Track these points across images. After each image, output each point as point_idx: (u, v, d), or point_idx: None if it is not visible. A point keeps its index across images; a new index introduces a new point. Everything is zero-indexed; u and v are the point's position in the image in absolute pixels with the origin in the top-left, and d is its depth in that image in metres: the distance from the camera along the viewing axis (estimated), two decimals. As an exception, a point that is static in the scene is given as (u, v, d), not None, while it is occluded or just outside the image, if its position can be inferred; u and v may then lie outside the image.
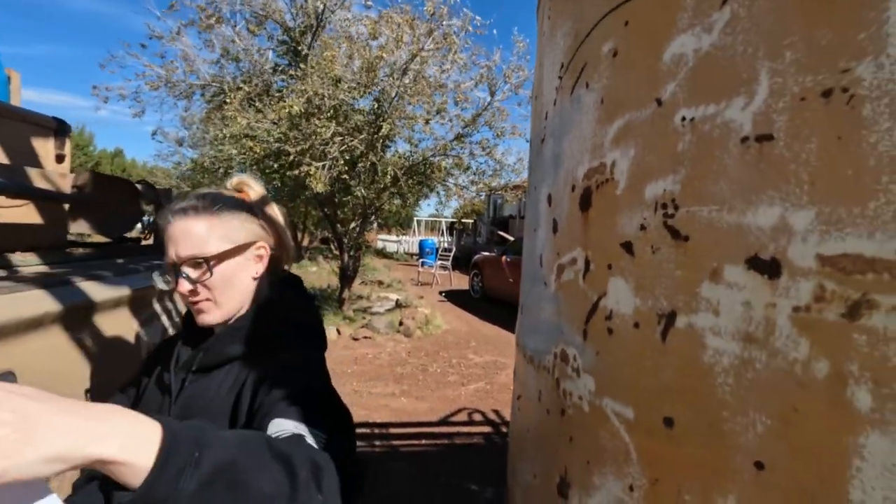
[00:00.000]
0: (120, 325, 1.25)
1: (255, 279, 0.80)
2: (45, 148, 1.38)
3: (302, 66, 6.36)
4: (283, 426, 0.59)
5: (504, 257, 10.22)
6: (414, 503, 3.05)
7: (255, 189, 0.87)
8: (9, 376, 0.75)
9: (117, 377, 1.21)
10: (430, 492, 3.18)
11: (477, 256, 12.36)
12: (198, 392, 0.76)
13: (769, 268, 0.44)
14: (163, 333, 1.45)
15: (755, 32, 0.46)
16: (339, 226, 8.45)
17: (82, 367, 1.11)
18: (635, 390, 0.57)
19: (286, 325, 0.79)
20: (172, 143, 12.81)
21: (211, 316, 0.78)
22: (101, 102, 7.33)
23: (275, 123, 6.58)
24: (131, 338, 1.30)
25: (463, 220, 25.76)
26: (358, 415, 4.31)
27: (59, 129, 1.40)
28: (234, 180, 0.88)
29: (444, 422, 4.62)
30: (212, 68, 8.12)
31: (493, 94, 7.33)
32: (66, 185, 1.27)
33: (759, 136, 0.45)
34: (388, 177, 6.91)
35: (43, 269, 1.16)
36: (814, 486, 0.41)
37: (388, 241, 23.48)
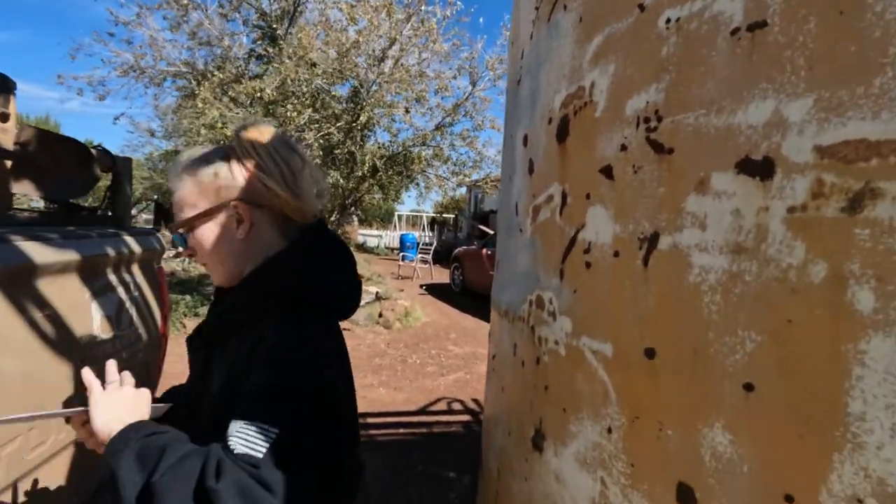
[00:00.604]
0: (67, 292, 1.16)
1: (243, 240, 0.69)
2: (-12, 104, 1.28)
3: (276, 47, 6.20)
4: (235, 431, 0.53)
5: (485, 250, 10.22)
6: (391, 492, 3.00)
7: (256, 133, 0.72)
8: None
9: (60, 342, 1.13)
10: (408, 480, 3.13)
11: (458, 250, 12.33)
12: (215, 364, 0.69)
13: (761, 169, 0.40)
14: (119, 305, 1.35)
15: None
16: (316, 216, 8.32)
17: (23, 330, 1.03)
18: (614, 325, 0.53)
19: (278, 293, 0.67)
20: (144, 132, 12.43)
21: (215, 277, 0.72)
22: (68, 94, 7.07)
23: (247, 109, 6.41)
24: (81, 305, 1.21)
25: (444, 215, 25.72)
26: (334, 404, 4.24)
27: (1, 85, 1.30)
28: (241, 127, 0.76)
29: (422, 411, 4.57)
30: (183, 53, 7.87)
31: (474, 84, 7.28)
32: (9, 143, 1.17)
33: (751, 24, 0.41)
34: (367, 166, 6.81)
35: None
36: (808, 404, 0.37)
37: (368, 235, 23.33)
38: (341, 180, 7.10)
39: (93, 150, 1.43)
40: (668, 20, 0.48)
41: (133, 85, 8.13)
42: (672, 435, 0.46)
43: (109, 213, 1.55)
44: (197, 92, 6.37)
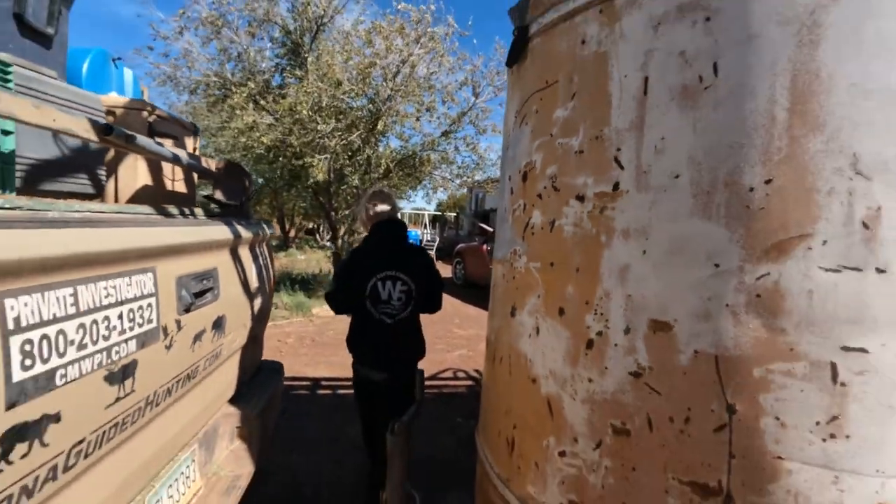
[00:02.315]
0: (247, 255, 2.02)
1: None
2: (189, 143, 2.13)
3: (302, 68, 7.02)
4: None
5: (485, 246, 11.03)
6: (418, 430, 3.87)
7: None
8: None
9: (247, 282, 1.99)
10: (429, 424, 3.99)
11: (459, 246, 13.12)
12: None
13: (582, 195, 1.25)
14: (263, 267, 2.22)
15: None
16: (333, 213, 9.16)
17: (245, 269, 1.88)
18: (541, 256, 1.38)
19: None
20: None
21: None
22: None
23: (277, 119, 7.24)
24: (250, 265, 2.07)
25: (445, 213, 26.42)
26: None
27: (194, 128, 2.15)
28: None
29: (434, 377, 5.43)
30: (212, 65, 8.68)
31: (476, 96, 8.13)
32: (212, 166, 2.03)
33: (578, 151, 1.26)
34: (382, 168, 7.65)
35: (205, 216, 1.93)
36: (580, 270, 1.22)
37: (372, 232, 23.87)
38: (357, 181, 7.95)
39: (246, 170, 2.29)
40: (560, 142, 1.32)
41: (168, 93, 8.94)
42: (559, 293, 1.31)
43: (241, 209, 2.41)
44: (232, 102, 7.20)
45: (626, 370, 1.17)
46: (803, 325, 0.96)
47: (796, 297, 0.97)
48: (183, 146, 2.12)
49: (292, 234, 23.85)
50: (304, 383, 5.05)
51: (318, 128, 6.69)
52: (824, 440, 0.96)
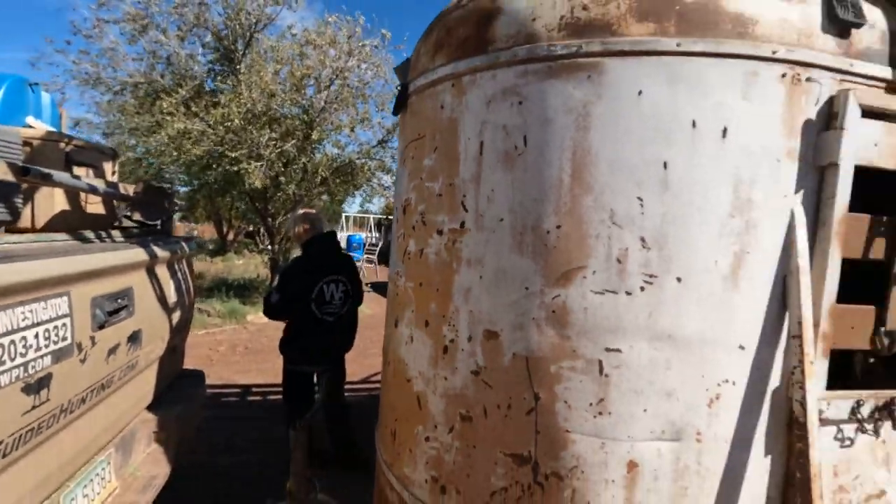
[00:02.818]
0: (164, 273, 2.19)
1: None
2: (108, 168, 2.26)
3: (235, 76, 7.01)
4: None
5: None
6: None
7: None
8: None
9: (165, 298, 2.17)
10: (359, 426, 4.22)
11: (400, 250, 13.30)
12: None
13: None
14: (183, 279, 2.39)
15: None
16: (269, 219, 9.14)
17: (162, 285, 2.06)
18: (413, 277, 1.68)
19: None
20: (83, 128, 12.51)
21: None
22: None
23: (210, 127, 7.19)
24: (168, 283, 2.24)
25: (389, 217, 26.46)
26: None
27: (113, 153, 2.29)
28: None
29: (364, 381, 5.65)
30: (139, 65, 8.42)
31: (411, 107, 8.40)
32: (129, 191, 2.18)
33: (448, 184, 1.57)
34: (319, 177, 7.76)
35: (120, 239, 2.08)
36: (436, 284, 1.53)
37: (315, 235, 23.59)
38: (294, 189, 8.02)
39: (167, 191, 2.45)
40: (427, 186, 1.63)
41: (91, 93, 8.59)
42: (425, 308, 1.61)
43: (163, 227, 2.56)
44: (164, 104, 7.06)
45: (469, 370, 1.49)
46: (581, 333, 1.32)
47: (577, 312, 1.32)
48: (101, 172, 2.26)
49: (231, 237, 23.11)
50: (235, 390, 5.12)
51: (252, 137, 6.74)
52: (595, 417, 1.31)
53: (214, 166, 7.93)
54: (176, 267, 2.42)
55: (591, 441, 1.32)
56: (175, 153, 7.17)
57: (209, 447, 3.64)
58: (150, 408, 2.24)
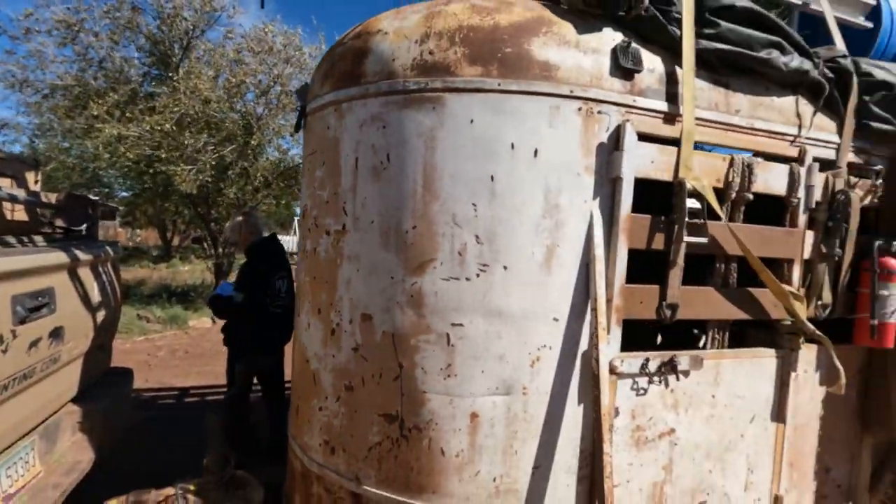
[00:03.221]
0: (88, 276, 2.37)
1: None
2: (31, 178, 2.41)
3: (171, 82, 7.01)
4: None
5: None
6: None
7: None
8: None
9: (88, 298, 2.35)
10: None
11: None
12: None
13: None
14: (108, 281, 2.56)
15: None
16: (213, 224, 9.10)
17: (86, 286, 2.24)
18: (310, 272, 1.96)
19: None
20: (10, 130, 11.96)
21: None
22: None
23: (148, 131, 7.16)
24: (91, 284, 2.42)
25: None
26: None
27: (35, 163, 2.44)
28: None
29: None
30: (70, 68, 8.22)
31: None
32: (51, 200, 2.34)
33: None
34: (258, 181, 7.84)
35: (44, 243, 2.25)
36: (323, 280, 1.82)
37: (265, 239, 23.24)
38: (235, 192, 8.06)
39: (90, 199, 2.61)
40: (318, 194, 1.92)
41: (19, 96, 8.31)
42: (318, 298, 1.90)
43: (89, 232, 2.73)
44: (95, 109, 6.96)
45: (350, 347, 1.78)
46: (433, 312, 1.64)
47: (429, 296, 1.64)
48: (24, 182, 2.41)
49: (177, 242, 22.42)
50: (173, 393, 5.20)
51: (187, 142, 6.77)
52: (444, 379, 1.64)
53: (151, 171, 7.86)
54: (100, 269, 2.59)
55: (442, 399, 1.65)
56: (110, 157, 7.08)
57: (144, 445, 3.77)
58: (75, 400, 2.41)
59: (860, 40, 2.53)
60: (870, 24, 2.44)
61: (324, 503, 1.89)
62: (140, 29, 7.65)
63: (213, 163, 7.50)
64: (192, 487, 2.08)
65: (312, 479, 1.93)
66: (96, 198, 2.82)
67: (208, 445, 2.17)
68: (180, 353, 6.57)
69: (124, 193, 14.09)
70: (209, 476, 2.16)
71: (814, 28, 2.28)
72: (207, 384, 5.45)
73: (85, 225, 2.58)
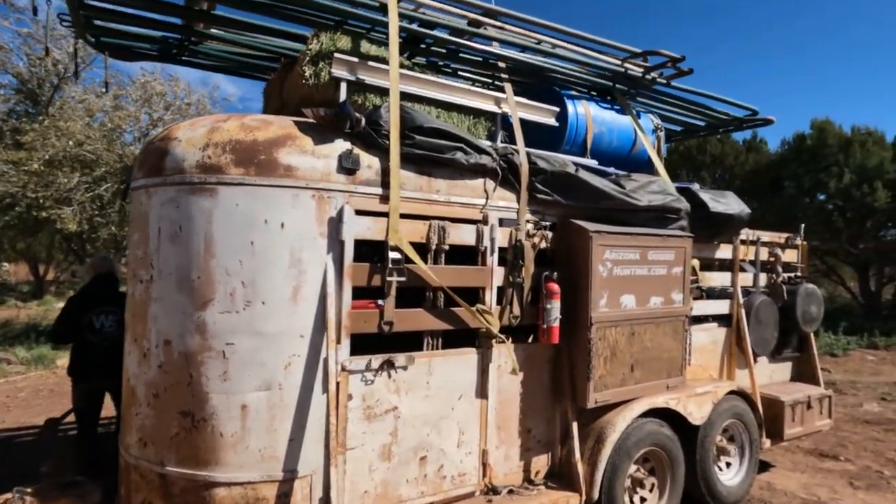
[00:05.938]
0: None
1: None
2: None
3: (40, 119, 7.05)
4: None
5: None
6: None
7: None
8: None
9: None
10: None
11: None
12: None
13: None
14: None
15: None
16: (87, 260, 8.97)
17: None
18: (131, 310, 2.58)
19: None
20: None
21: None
22: None
23: (15, 166, 7.11)
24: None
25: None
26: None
27: None
28: None
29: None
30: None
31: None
32: None
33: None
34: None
35: None
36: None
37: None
38: (112, 230, 8.12)
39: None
40: (136, 252, 2.56)
41: None
42: (135, 330, 2.52)
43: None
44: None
45: (157, 365, 2.43)
46: (213, 336, 2.36)
47: (210, 324, 2.36)
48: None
49: (51, 276, 20.72)
50: (33, 430, 5.29)
51: (59, 181, 6.86)
52: (222, 382, 2.35)
53: (16, 207, 7.73)
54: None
55: (221, 396, 2.36)
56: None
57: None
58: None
59: (557, 134, 3.69)
60: (557, 124, 3.59)
61: (140, 487, 2.49)
62: (6, 67, 7.62)
63: (87, 202, 7.58)
64: (29, 490, 2.56)
65: (131, 469, 2.52)
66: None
67: (51, 454, 2.67)
68: (44, 392, 6.53)
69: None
70: (48, 480, 2.65)
71: (511, 131, 3.34)
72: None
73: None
